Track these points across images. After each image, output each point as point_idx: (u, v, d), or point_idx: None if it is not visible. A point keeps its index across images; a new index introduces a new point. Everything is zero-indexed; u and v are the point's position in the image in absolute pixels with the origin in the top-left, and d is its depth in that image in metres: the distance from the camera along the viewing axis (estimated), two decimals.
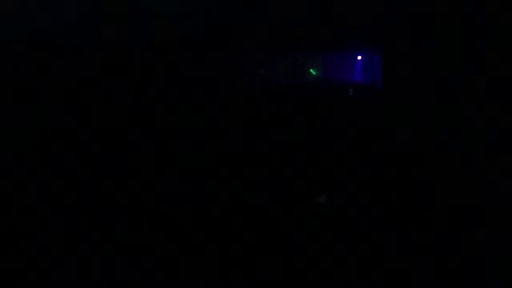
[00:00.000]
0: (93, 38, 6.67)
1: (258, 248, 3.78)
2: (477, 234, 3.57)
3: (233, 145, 6.45)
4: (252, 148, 6.26)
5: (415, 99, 6.39)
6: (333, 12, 6.63)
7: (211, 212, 4.39)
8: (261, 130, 7.29)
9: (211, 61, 10.98)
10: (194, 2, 5.27)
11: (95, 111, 7.18)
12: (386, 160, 5.49)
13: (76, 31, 6.06)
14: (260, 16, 6.74)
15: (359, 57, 13.46)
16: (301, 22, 7.39)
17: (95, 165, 5.62)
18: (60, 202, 4.63)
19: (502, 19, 3.77)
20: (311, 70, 13.86)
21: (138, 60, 8.37)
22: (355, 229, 3.98)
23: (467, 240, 3.63)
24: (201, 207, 4.49)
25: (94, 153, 6.01)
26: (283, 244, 3.80)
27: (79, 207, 4.54)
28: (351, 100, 10.06)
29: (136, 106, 8.01)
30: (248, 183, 5.02)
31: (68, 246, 3.84)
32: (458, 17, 4.74)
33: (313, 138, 6.53)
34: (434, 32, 5.52)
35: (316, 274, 3.46)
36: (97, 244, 3.88)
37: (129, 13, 5.67)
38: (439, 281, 3.34)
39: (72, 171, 5.36)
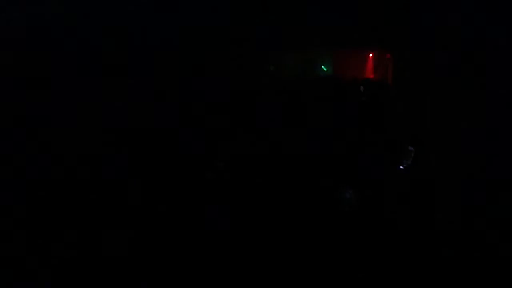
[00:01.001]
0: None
1: (279, 244, 3.80)
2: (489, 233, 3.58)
3: (244, 142, 6.50)
4: (265, 144, 6.30)
5: (426, 97, 6.41)
6: (345, 9, 6.67)
7: (215, 213, 4.42)
8: (272, 126, 7.33)
9: (221, 57, 11.01)
10: None
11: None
12: (397, 155, 5.53)
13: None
14: (271, 12, 6.80)
15: (370, 55, 13.38)
16: (312, 18, 7.42)
17: (95, 166, 5.64)
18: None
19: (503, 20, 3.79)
20: (323, 67, 13.82)
21: (143, 56, 8.40)
22: (378, 225, 3.98)
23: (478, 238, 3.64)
24: (214, 204, 4.53)
25: (95, 153, 6.04)
26: (304, 242, 3.81)
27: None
28: (362, 96, 10.04)
29: (142, 104, 8.06)
30: (262, 180, 5.03)
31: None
32: (464, 17, 4.76)
33: (324, 134, 6.56)
34: (445, 31, 5.53)
35: (339, 271, 3.48)
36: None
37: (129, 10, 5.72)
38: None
39: (72, 172, 5.38)
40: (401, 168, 5.29)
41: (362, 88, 11.07)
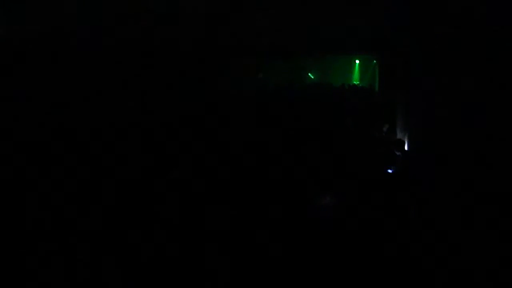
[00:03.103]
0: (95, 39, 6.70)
1: (258, 251, 3.78)
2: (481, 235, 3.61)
3: (232, 148, 6.50)
4: (251, 151, 6.31)
5: (412, 102, 6.48)
6: (332, 16, 6.74)
7: (208, 214, 4.40)
8: (260, 133, 7.35)
9: (211, 65, 11.05)
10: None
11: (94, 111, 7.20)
12: (384, 161, 5.58)
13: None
14: (259, 20, 6.84)
15: (357, 61, 13.59)
16: (300, 26, 7.50)
17: (94, 167, 5.62)
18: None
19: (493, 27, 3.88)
20: (310, 74, 13.98)
21: (137, 61, 8.41)
22: (357, 232, 3.99)
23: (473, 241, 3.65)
24: (199, 208, 4.51)
25: (94, 154, 6.03)
26: (285, 248, 3.80)
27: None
28: (349, 103, 10.16)
29: (135, 107, 8.06)
30: (246, 186, 5.03)
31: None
32: (453, 22, 4.83)
33: (311, 140, 6.60)
34: (430, 36, 5.61)
35: (320, 278, 3.48)
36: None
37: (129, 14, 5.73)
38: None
39: (72, 173, 5.37)
40: (388, 172, 5.34)
41: (349, 94, 11.24)
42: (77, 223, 4.23)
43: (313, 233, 4.02)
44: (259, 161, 5.77)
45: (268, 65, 12.96)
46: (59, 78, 6.91)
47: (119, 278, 3.46)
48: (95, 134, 6.69)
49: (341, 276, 3.47)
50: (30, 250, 3.77)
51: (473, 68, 4.45)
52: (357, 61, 13.57)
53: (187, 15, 6.11)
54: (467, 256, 3.47)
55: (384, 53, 10.18)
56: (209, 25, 6.91)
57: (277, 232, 4.00)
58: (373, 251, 3.72)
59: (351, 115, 8.25)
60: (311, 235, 3.98)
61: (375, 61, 12.59)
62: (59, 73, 6.91)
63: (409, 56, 6.71)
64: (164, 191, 4.88)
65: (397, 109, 7.04)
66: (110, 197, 4.77)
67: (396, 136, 6.59)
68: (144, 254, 3.73)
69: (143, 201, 4.68)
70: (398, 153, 5.67)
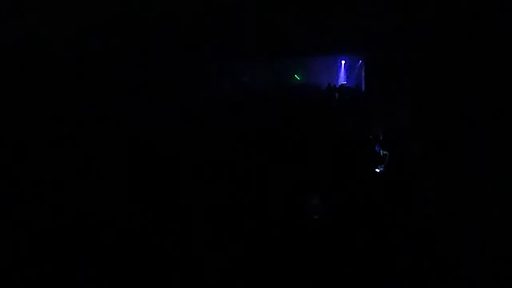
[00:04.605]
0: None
1: (253, 251, 3.78)
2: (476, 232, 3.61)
3: (218, 151, 6.47)
4: (238, 154, 6.28)
5: (398, 102, 6.53)
6: (318, 17, 6.74)
7: (202, 216, 4.39)
8: (246, 135, 7.33)
9: (194, 67, 10.98)
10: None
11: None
12: (372, 160, 5.60)
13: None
14: (244, 22, 6.81)
15: (343, 62, 13.64)
16: (286, 28, 7.48)
17: (94, 167, 5.60)
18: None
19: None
20: (296, 76, 13.98)
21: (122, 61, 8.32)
22: (349, 230, 4.00)
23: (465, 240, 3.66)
24: (191, 209, 4.50)
25: (93, 154, 5.99)
26: (278, 248, 3.80)
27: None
28: (336, 103, 10.20)
29: (122, 109, 7.96)
30: (236, 188, 5.03)
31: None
32: (439, 22, 4.88)
33: (299, 141, 6.59)
34: (416, 36, 5.66)
35: (313, 277, 3.48)
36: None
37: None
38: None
39: (73, 173, 5.34)
40: (376, 171, 5.37)
41: (337, 94, 11.29)
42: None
43: (306, 232, 4.02)
44: (248, 162, 5.75)
45: (253, 68, 12.92)
46: (57, 80, 6.78)
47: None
48: (96, 135, 6.60)
49: (335, 275, 3.47)
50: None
51: (460, 69, 4.49)
52: (343, 62, 13.64)
53: (172, 16, 6.04)
54: (461, 255, 3.49)
55: (370, 53, 10.27)
56: (195, 27, 6.85)
57: (270, 231, 3.99)
58: (365, 249, 3.73)
59: (338, 115, 8.27)
60: (303, 234, 3.98)
61: (360, 61, 12.70)
62: (57, 75, 6.78)
63: (395, 56, 6.76)
64: (162, 191, 4.87)
65: (384, 109, 7.08)
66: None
67: (383, 135, 6.62)
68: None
69: (142, 202, 4.67)
70: (385, 152, 5.70)
